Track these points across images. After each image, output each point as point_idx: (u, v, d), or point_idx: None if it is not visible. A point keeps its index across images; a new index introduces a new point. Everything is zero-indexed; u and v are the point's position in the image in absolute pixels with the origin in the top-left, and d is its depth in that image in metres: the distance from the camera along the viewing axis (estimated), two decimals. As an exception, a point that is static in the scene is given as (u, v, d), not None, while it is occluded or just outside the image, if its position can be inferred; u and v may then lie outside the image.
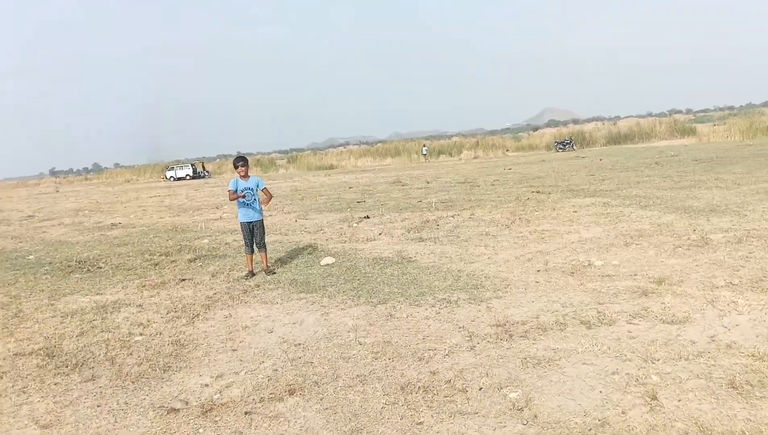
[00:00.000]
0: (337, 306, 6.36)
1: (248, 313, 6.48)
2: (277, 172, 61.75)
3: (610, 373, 4.04)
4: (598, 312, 5.40)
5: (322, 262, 8.62)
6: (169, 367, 5.10)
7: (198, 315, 6.50)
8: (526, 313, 5.58)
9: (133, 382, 4.82)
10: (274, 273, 8.28)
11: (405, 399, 3.94)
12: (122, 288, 8.24)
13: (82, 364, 5.27)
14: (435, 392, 4.02)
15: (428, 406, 3.83)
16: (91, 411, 4.28)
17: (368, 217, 13.90)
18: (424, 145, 65.27)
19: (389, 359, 4.69)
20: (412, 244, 9.91)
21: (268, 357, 5.07)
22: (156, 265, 9.88)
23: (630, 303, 5.62)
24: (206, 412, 4.08)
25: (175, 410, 4.14)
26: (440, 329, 5.33)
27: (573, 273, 6.99)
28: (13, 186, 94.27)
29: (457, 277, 7.21)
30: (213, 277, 8.53)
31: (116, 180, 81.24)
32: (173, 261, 10.08)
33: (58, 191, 57.14)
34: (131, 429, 3.95)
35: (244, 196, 8.15)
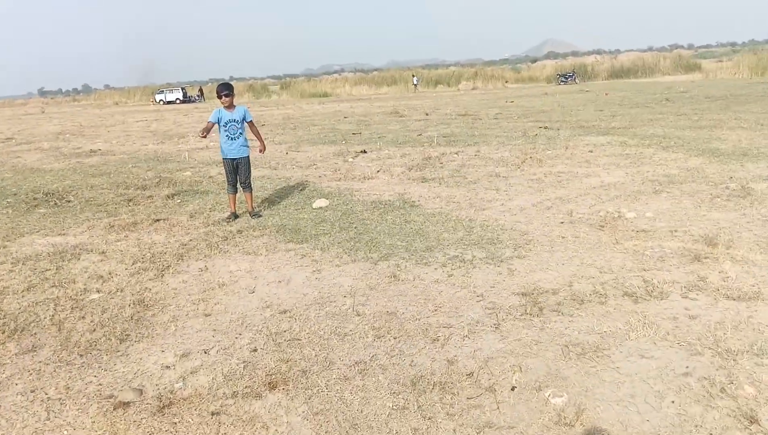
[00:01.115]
0: (330, 261, 5.43)
1: (227, 265, 5.56)
2: (270, 99, 59.88)
3: (681, 373, 3.16)
4: (644, 281, 4.50)
5: (315, 205, 7.65)
6: (127, 335, 4.20)
7: (169, 267, 5.58)
8: (556, 278, 4.68)
9: (80, 355, 3.93)
10: (260, 216, 7.32)
11: (417, 401, 3.07)
12: (88, 228, 7.28)
13: (23, 329, 4.37)
14: (455, 392, 3.15)
15: (448, 413, 2.97)
16: (21, 400, 3.40)
17: (365, 152, 12.85)
18: (414, 75, 63.21)
19: (395, 339, 3.81)
20: (414, 184, 8.93)
21: (247, 328, 4.18)
22: (130, 200, 8.89)
23: (681, 270, 4.72)
24: (163, 408, 3.21)
25: (125, 405, 3.26)
26: (455, 297, 4.43)
27: (602, 226, 6.07)
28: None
29: (468, 227, 6.28)
30: (191, 217, 7.57)
31: (105, 102, 78.94)
32: (149, 196, 9.09)
33: (43, 112, 55.28)
34: (65, 430, 3.08)
35: (217, 130, 7.14)
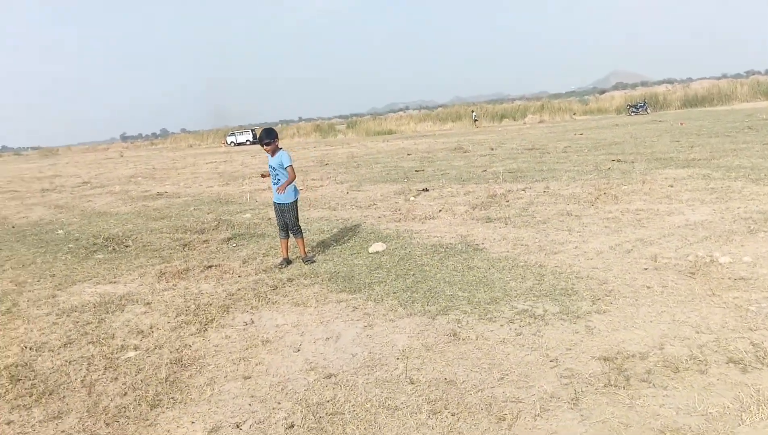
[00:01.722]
0: (384, 315, 4.94)
1: (274, 318, 5.15)
2: (336, 138, 60.64)
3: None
4: (752, 344, 3.78)
5: (371, 249, 7.20)
6: (159, 401, 3.82)
7: (213, 320, 5.22)
8: (643, 339, 4.01)
9: (107, 424, 3.57)
10: (313, 262, 6.93)
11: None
12: (139, 276, 7.07)
13: (52, 391, 4.06)
14: (526, 492, 2.56)
15: None
16: (32, 482, 3.03)
17: (427, 190, 12.38)
18: (473, 111, 62.77)
19: (453, 416, 3.25)
20: (478, 225, 8.36)
21: (287, 396, 3.72)
22: (185, 245, 8.71)
23: (797, 330, 3.97)
24: (182, 499, 2.77)
25: (140, 494, 2.84)
26: (524, 362, 3.83)
27: (693, 274, 5.32)
28: (84, 151, 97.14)
29: (539, 275, 5.66)
30: (244, 263, 7.26)
31: (180, 145, 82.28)
32: (205, 241, 8.89)
33: (122, 156, 57.87)
34: None
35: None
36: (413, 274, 6.04)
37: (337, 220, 9.81)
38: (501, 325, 4.47)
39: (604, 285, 5.20)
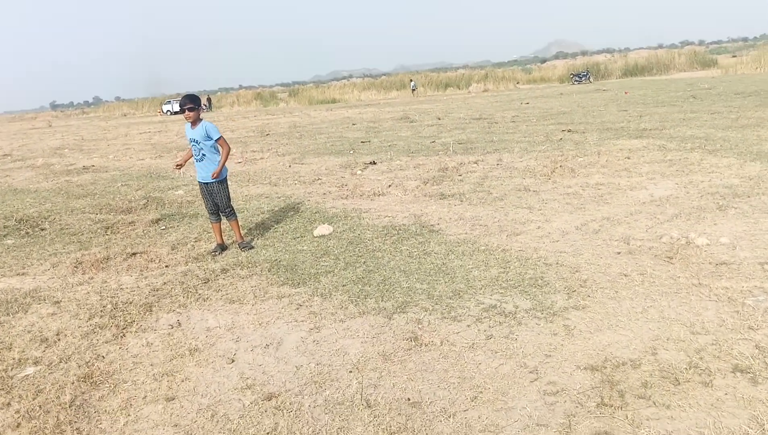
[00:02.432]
0: (332, 314, 4.29)
1: (204, 320, 4.44)
2: (278, 106, 58.88)
3: None
4: (757, 347, 3.33)
5: (316, 232, 6.51)
6: (61, 433, 3.09)
7: (132, 323, 4.46)
8: (632, 342, 3.51)
9: (-11, 472, 2.83)
10: (251, 248, 6.20)
11: None
12: (51, 266, 6.19)
13: None
14: None
15: None
16: None
17: (374, 163, 11.71)
18: (411, 80, 62.23)
19: (421, 452, 2.66)
20: (431, 202, 7.77)
21: (218, 426, 3.05)
22: (108, 228, 7.80)
23: (801, 327, 3.54)
24: None
25: None
26: (499, 374, 3.27)
27: (671, 258, 4.88)
28: (10, 120, 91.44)
29: (503, 262, 5.11)
30: (172, 249, 6.46)
31: (113, 114, 78.43)
32: (131, 223, 8.00)
33: (50, 126, 54.55)
34: None
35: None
36: (364, 262, 5.40)
37: (279, 197, 9.05)
38: (468, 326, 3.89)
39: (576, 273, 4.70)
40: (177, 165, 6.14)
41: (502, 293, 4.38)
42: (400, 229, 6.44)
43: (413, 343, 3.69)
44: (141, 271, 5.76)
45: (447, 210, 7.23)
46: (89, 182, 12.61)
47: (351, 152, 14.09)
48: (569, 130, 14.85)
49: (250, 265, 5.58)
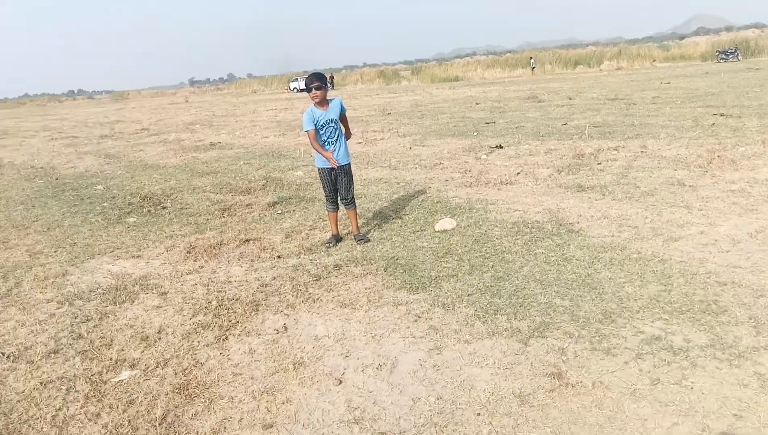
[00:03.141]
0: (456, 331, 3.68)
1: (313, 325, 3.99)
2: (400, 84, 58.64)
3: None
4: None
5: (437, 227, 5.90)
6: (146, 460, 2.73)
7: (237, 323, 4.10)
8: None
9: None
10: (368, 241, 5.71)
11: None
12: (166, 250, 6.05)
13: (12, 432, 3.04)
14: None
15: None
16: None
17: (501, 147, 10.90)
18: (531, 58, 59.34)
19: None
20: (568, 195, 6.92)
21: (318, 472, 2.55)
22: (226, 210, 7.64)
23: None
24: None
25: None
26: (674, 441, 2.53)
27: None
28: (152, 95, 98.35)
29: (663, 276, 4.25)
30: (286, 237, 6.12)
31: (244, 90, 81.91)
32: (248, 205, 7.80)
33: (187, 101, 57.81)
34: None
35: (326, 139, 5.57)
36: (492, 266, 4.73)
37: (398, 183, 8.52)
38: (626, 363, 3.14)
39: (762, 298, 3.77)
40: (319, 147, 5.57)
41: (666, 320, 3.57)
42: (532, 227, 5.68)
43: (557, 382, 3.00)
44: (252, 260, 5.44)
45: (587, 205, 6.36)
46: (214, 159, 12.77)
47: (475, 134, 13.32)
48: (722, 114, 13.17)
49: (365, 262, 5.08)
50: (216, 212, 7.56)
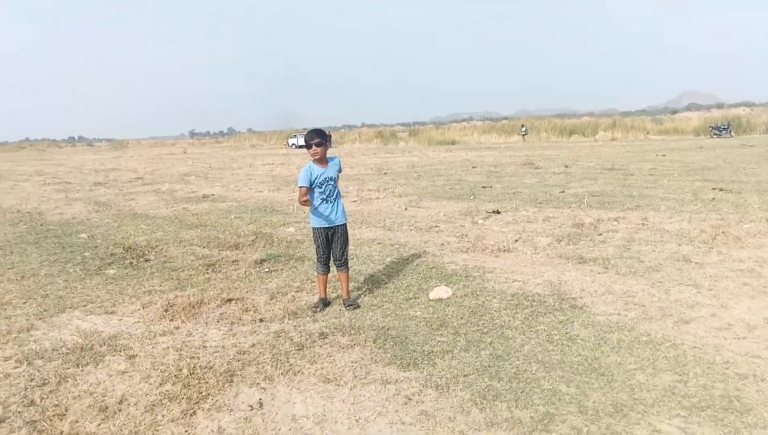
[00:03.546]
0: (451, 419, 3.30)
1: (291, 401, 3.59)
2: (397, 145, 59.16)
3: None
4: None
5: (432, 295, 5.56)
6: None
7: (208, 396, 3.70)
8: None
9: None
10: (357, 307, 5.35)
11: None
12: (142, 306, 5.67)
13: None
14: None
15: None
16: None
17: (498, 212, 10.66)
18: (523, 126, 60.29)
19: None
20: (569, 267, 6.61)
21: None
22: (211, 265, 7.29)
23: None
24: None
25: None
26: None
27: None
28: (152, 145, 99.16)
29: (677, 363, 3.90)
30: (271, 299, 5.76)
31: (243, 144, 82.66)
32: (235, 261, 7.45)
33: (185, 152, 58.04)
34: None
35: (321, 195, 5.31)
36: (491, 343, 4.37)
37: (392, 245, 8.22)
38: (642, 469, 2.76)
39: (788, 395, 3.42)
40: (308, 204, 5.22)
41: (684, 418, 3.20)
42: (533, 300, 5.35)
43: (565, 489, 2.62)
44: (232, 323, 5.06)
45: (590, 279, 6.04)
46: (204, 212, 12.48)
47: (471, 198, 13.12)
48: (721, 189, 13.05)
49: (353, 331, 4.71)
50: (200, 267, 7.21)
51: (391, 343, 4.41)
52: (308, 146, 5.24)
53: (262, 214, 11.90)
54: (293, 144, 65.42)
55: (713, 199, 11.59)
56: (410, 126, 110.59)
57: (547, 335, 4.46)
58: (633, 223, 9.11)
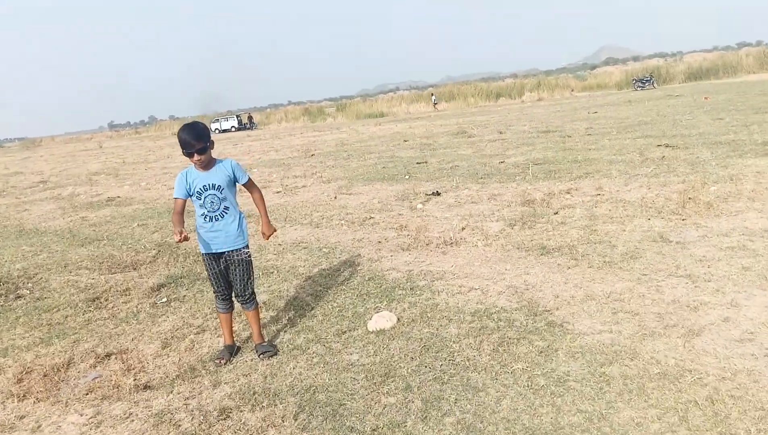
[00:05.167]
0: None
1: None
2: (325, 122, 57.43)
3: None
4: None
5: (371, 326, 4.31)
6: None
7: None
8: None
9: None
10: (275, 353, 4.06)
11: None
12: (-13, 377, 4.21)
13: None
14: None
15: None
16: None
17: (438, 194, 9.52)
18: (432, 94, 60.15)
19: None
20: (532, 261, 5.50)
21: None
22: (95, 300, 5.83)
23: None
24: None
25: None
26: None
27: None
28: (66, 141, 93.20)
29: (717, 417, 2.83)
30: (163, 348, 4.41)
31: (164, 133, 78.61)
32: (126, 291, 6.01)
33: (101, 147, 54.38)
34: None
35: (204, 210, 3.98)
36: (455, 401, 3.18)
37: (320, 248, 6.94)
38: None
39: None
40: (183, 237, 3.77)
41: None
42: (499, 319, 4.20)
43: None
44: (102, 400, 3.69)
45: (561, 278, 4.95)
46: (105, 220, 10.84)
47: (407, 177, 11.95)
48: (667, 145, 12.35)
49: (267, 400, 3.42)
50: (80, 304, 5.74)
51: (321, 418, 3.16)
52: (188, 154, 3.87)
53: (170, 220, 10.36)
54: (216, 129, 62.57)
55: (663, 157, 10.82)
56: (338, 100, 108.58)
57: (528, 380, 3.31)
58: (588, 195, 8.14)
